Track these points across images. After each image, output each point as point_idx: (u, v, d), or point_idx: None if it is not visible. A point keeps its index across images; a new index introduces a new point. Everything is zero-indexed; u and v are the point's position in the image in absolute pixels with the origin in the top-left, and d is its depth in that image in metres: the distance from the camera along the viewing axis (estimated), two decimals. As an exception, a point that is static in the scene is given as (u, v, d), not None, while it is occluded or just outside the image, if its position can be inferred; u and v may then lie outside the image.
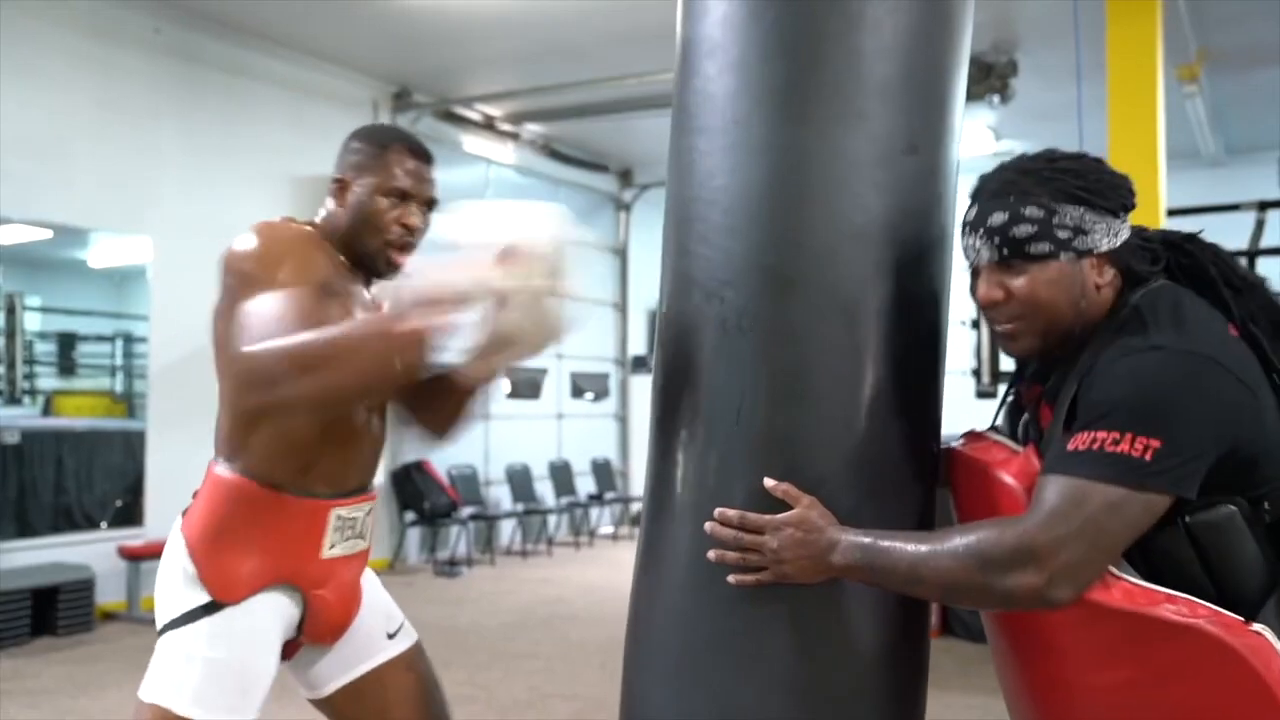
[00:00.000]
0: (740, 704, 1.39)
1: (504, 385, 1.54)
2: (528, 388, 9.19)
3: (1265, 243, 5.77)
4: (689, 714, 1.42)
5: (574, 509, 9.61)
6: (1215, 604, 1.21)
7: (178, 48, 6.56)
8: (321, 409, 1.61)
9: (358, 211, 1.76)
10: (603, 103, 8.31)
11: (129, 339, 7.32)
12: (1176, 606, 1.20)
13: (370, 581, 1.89)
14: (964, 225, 1.39)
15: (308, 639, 1.78)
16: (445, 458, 8.47)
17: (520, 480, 9.12)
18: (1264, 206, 5.79)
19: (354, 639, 1.83)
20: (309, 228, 1.80)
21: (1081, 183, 1.33)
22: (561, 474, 9.67)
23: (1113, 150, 5.17)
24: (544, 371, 9.96)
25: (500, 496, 9.08)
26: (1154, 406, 1.21)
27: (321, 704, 1.86)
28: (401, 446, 8.21)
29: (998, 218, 1.33)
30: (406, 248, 1.77)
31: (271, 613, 1.70)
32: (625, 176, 10.78)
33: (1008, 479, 1.34)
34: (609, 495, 10.16)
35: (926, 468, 1.47)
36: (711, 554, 1.37)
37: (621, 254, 10.86)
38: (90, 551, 5.94)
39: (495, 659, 5.04)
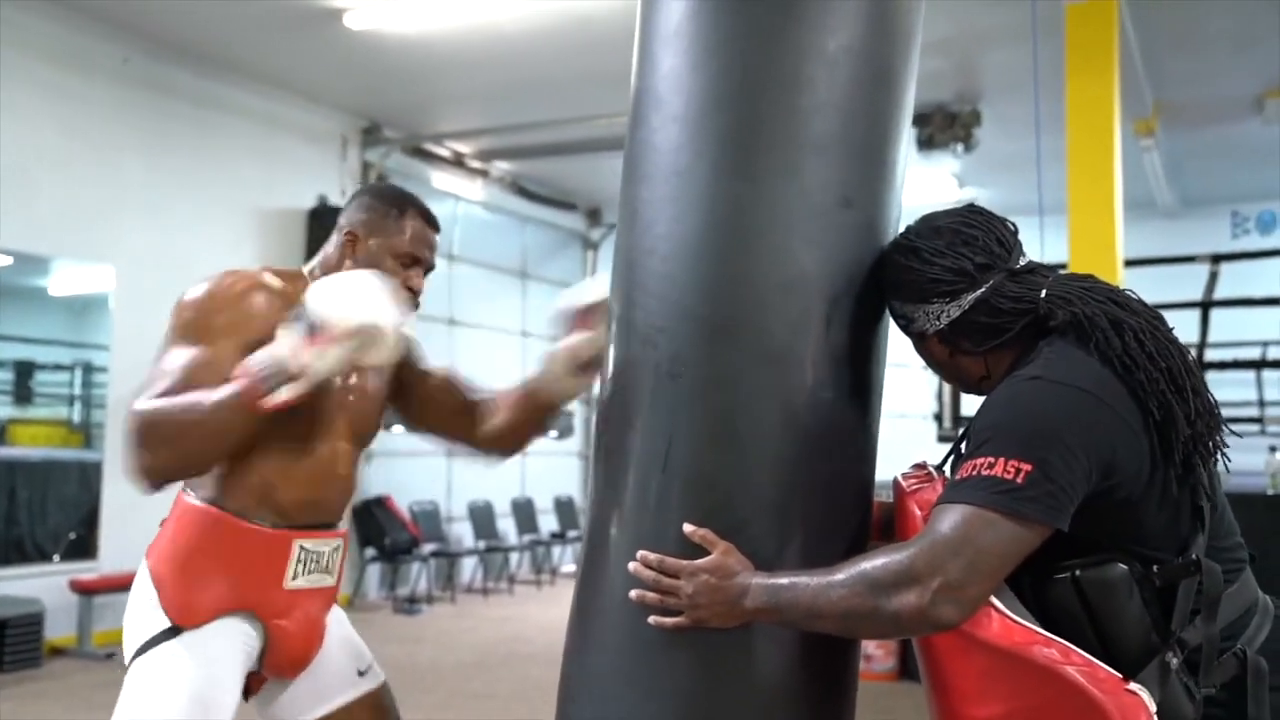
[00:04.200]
0: None
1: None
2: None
3: (1218, 294, 5.90)
4: None
5: (536, 546, 9.54)
6: (1100, 659, 1.22)
7: (146, 78, 6.54)
8: (170, 477, 1.68)
9: (368, 269, 1.79)
10: (572, 142, 8.37)
11: (88, 368, 7.22)
12: (1051, 650, 1.21)
13: (339, 619, 1.92)
14: None
15: (268, 671, 1.80)
16: (407, 493, 8.40)
17: (482, 517, 9.05)
18: (1217, 259, 5.93)
19: (323, 675, 1.84)
20: (291, 275, 1.82)
21: (892, 279, 1.45)
22: (524, 511, 9.61)
23: (1072, 200, 5.28)
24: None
25: (462, 533, 9.00)
26: (1027, 432, 1.25)
27: None
28: (363, 481, 8.13)
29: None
30: (411, 310, 1.84)
31: (231, 638, 1.72)
32: (593, 215, 10.83)
33: (915, 508, 1.39)
34: (571, 533, 10.10)
35: (855, 514, 1.50)
36: (633, 594, 1.40)
37: (589, 292, 10.87)
38: (40, 585, 5.81)
39: (453, 697, 4.98)
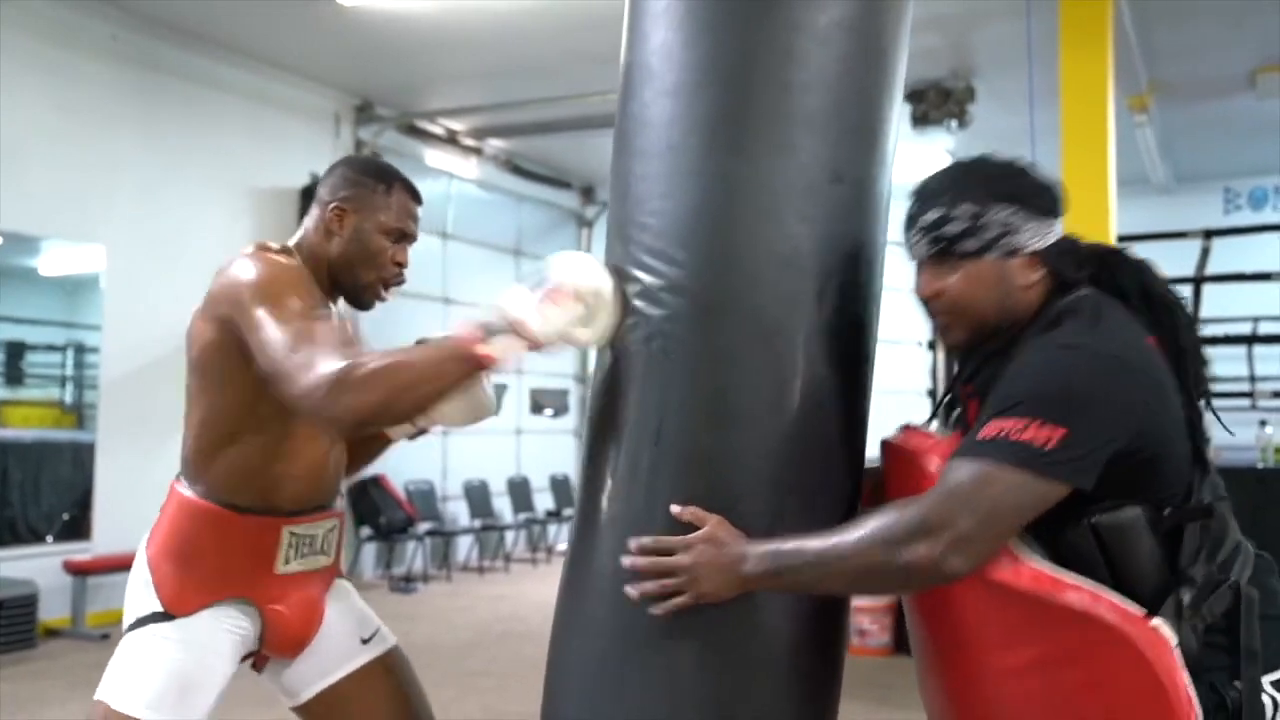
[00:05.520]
0: (654, 718, 1.41)
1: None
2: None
3: (1210, 269, 5.91)
4: None
5: (532, 525, 9.57)
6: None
7: (136, 55, 6.49)
8: (378, 423, 1.63)
9: (356, 245, 1.80)
10: (566, 119, 8.33)
11: (80, 349, 7.20)
12: (1080, 595, 1.26)
13: (343, 590, 1.92)
14: (905, 220, 1.46)
15: (269, 651, 1.81)
16: (402, 472, 8.41)
17: (478, 496, 9.07)
18: (1209, 235, 5.93)
19: (327, 646, 1.85)
20: (285, 253, 1.80)
21: (1012, 184, 1.41)
22: (520, 490, 9.63)
23: (1066, 176, 5.27)
24: (504, 387, 9.93)
25: (458, 512, 9.02)
26: (1061, 399, 1.27)
27: (302, 710, 1.88)
28: (357, 461, 8.14)
29: (931, 215, 1.41)
30: (397, 285, 1.84)
31: (222, 626, 1.74)
32: (587, 193, 10.80)
33: (931, 464, 1.40)
34: (567, 512, 10.12)
35: (848, 488, 1.51)
36: (630, 590, 1.39)
37: (582, 270, 10.85)
38: (34, 566, 5.82)
39: (449, 677, 5.00)
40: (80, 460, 6.32)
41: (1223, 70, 7.08)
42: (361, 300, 1.83)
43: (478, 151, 9.35)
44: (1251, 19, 6.10)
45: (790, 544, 1.34)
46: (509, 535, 9.28)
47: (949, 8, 5.94)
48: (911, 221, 1.44)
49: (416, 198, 1.87)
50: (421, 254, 8.20)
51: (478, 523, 8.96)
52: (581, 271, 1.48)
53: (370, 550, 8.19)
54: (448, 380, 1.48)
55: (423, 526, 8.35)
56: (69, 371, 7.63)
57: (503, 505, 9.43)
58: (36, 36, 5.99)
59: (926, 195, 1.43)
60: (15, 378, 7.75)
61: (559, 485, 10.21)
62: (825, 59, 1.45)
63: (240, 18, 6.47)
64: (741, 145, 1.44)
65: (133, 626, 1.73)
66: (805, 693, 1.48)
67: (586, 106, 7.82)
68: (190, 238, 6.54)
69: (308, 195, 7.46)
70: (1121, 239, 5.34)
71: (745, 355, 1.42)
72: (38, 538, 6.14)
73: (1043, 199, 1.41)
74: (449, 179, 9.19)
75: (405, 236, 1.84)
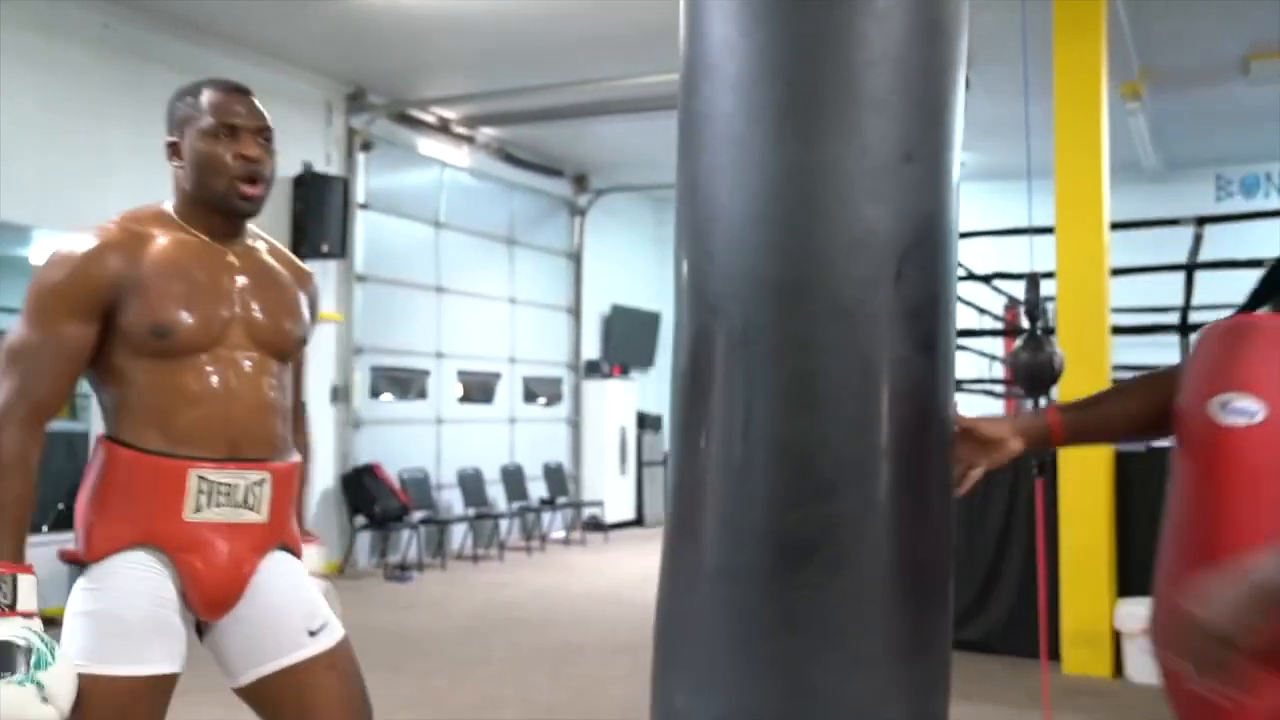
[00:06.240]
0: (762, 708, 1.42)
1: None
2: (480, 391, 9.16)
3: (1202, 257, 5.92)
4: (709, 714, 1.45)
5: (526, 513, 9.58)
6: None
7: (127, 44, 6.46)
8: None
9: (195, 162, 1.80)
10: (558, 107, 8.32)
11: (73, 339, 7.19)
12: None
13: (293, 570, 1.86)
14: None
15: (192, 608, 1.77)
16: (396, 461, 8.42)
17: (472, 484, 9.08)
18: (1202, 222, 5.94)
19: (270, 629, 1.80)
20: (150, 215, 1.82)
21: None
22: (513, 478, 9.64)
23: (1059, 164, 5.28)
24: (497, 376, 9.94)
25: (451, 500, 9.04)
26: None
27: (242, 694, 1.83)
28: (352, 450, 8.14)
29: None
30: (255, 178, 1.81)
31: (136, 572, 1.72)
32: (580, 181, 10.78)
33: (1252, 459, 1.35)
34: (561, 500, 10.15)
35: (941, 466, 1.50)
36: (1194, 687, 1.27)
37: (576, 259, 10.86)
38: (29, 555, 5.81)
39: (446, 664, 5.02)
40: (74, 450, 6.31)
41: (1215, 57, 7.09)
42: (231, 208, 1.80)
43: (470, 140, 9.33)
44: (1244, 5, 6.10)
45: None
46: (502, 524, 9.30)
47: (942, -5, 5.93)
48: None
49: (230, 89, 1.83)
50: (414, 243, 8.21)
51: (472, 511, 8.98)
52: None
53: (365, 539, 8.20)
54: None
55: (417, 515, 8.36)
56: (62, 361, 7.62)
57: (496, 493, 9.45)
58: (26, 26, 5.96)
59: None
60: (8, 368, 7.73)
61: (552, 473, 10.22)
62: (886, 37, 1.44)
63: (232, 6, 6.45)
64: (808, 131, 1.44)
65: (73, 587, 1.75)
66: (914, 683, 1.48)
67: (579, 94, 7.81)
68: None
69: (300, 184, 7.44)
70: (1115, 226, 5.35)
71: (827, 340, 1.42)
72: (32, 528, 6.11)
73: None
74: (441, 167, 9.18)
75: (234, 130, 1.79)
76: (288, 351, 1.87)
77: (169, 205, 1.85)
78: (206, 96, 1.81)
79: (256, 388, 1.79)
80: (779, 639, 1.42)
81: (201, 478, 1.73)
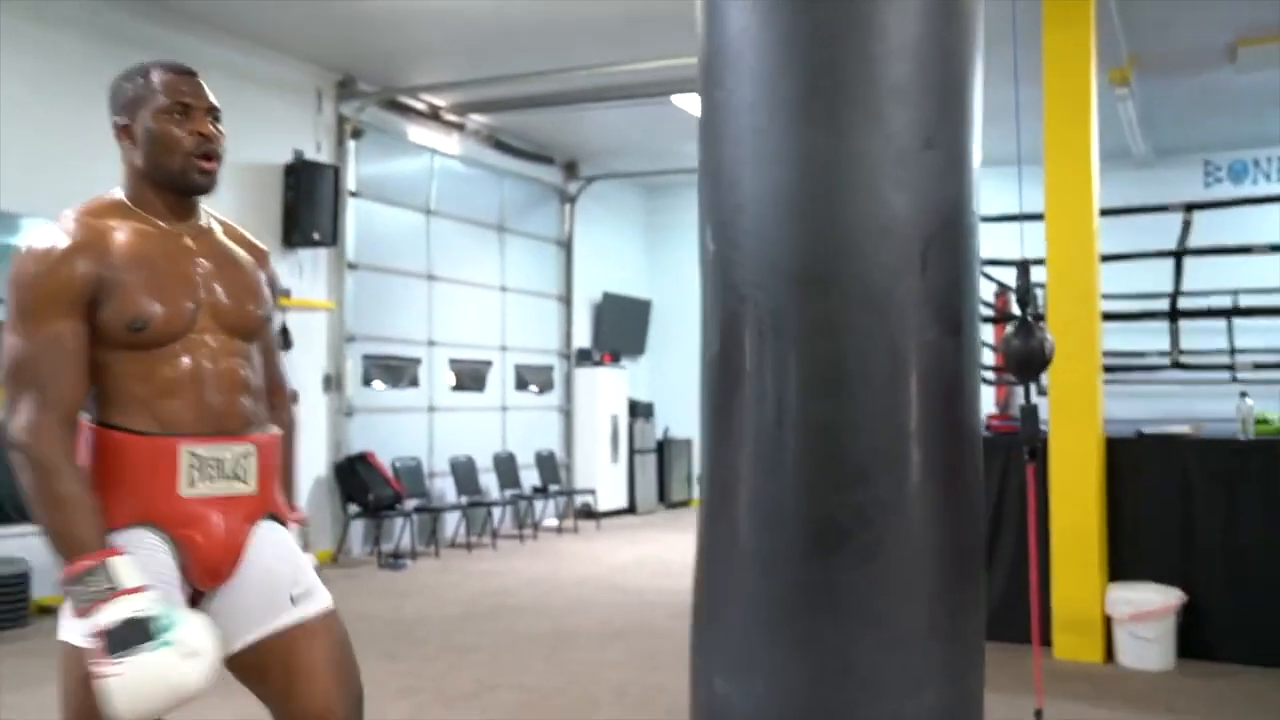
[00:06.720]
0: (796, 688, 1.44)
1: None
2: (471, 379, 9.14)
3: (1191, 243, 5.95)
4: (748, 697, 1.48)
5: (518, 501, 9.61)
6: None
7: (115, 30, 6.42)
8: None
9: (149, 142, 1.81)
10: (549, 94, 8.30)
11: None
12: None
13: (280, 540, 1.88)
14: None
15: (192, 581, 1.79)
16: (389, 449, 8.42)
17: (465, 472, 9.09)
18: (1190, 208, 5.97)
19: (253, 596, 1.81)
20: (108, 206, 1.83)
21: None
22: (506, 466, 9.66)
23: (1049, 150, 5.29)
24: (488, 364, 9.94)
25: (445, 489, 9.05)
26: None
27: (232, 666, 1.83)
28: (345, 438, 8.14)
29: None
30: (210, 155, 1.84)
31: (135, 548, 1.72)
32: (570, 169, 10.77)
33: None
34: (553, 488, 10.17)
35: (970, 447, 1.52)
36: None
37: (566, 246, 10.85)
38: (27, 544, 5.80)
39: (440, 651, 5.04)
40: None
41: (1202, 43, 7.11)
42: (189, 184, 1.83)
43: (460, 127, 9.31)
44: (1232, -8, 6.12)
45: None
46: (496, 512, 9.32)
47: (932, -19, 5.93)
48: None
49: (178, 69, 1.86)
50: (405, 230, 8.21)
51: (465, 499, 8.99)
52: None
53: (358, 527, 8.21)
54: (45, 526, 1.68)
55: (410, 503, 8.37)
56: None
57: (489, 481, 9.46)
58: (13, 12, 5.93)
59: None
60: (-2, 358, 7.70)
61: (544, 461, 10.24)
62: (904, 25, 1.46)
63: (220, -7, 6.42)
64: (830, 120, 1.45)
65: None
66: (949, 663, 1.49)
67: (570, 81, 7.79)
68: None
69: (291, 172, 7.42)
70: (1104, 213, 5.37)
71: (857, 326, 1.44)
72: (29, 517, 6.12)
73: None
74: (431, 155, 9.16)
75: (186, 108, 1.82)
76: (253, 331, 1.91)
77: (120, 193, 1.86)
78: (158, 77, 1.83)
79: (229, 369, 1.84)
80: (815, 622, 1.44)
81: (192, 453, 1.77)
